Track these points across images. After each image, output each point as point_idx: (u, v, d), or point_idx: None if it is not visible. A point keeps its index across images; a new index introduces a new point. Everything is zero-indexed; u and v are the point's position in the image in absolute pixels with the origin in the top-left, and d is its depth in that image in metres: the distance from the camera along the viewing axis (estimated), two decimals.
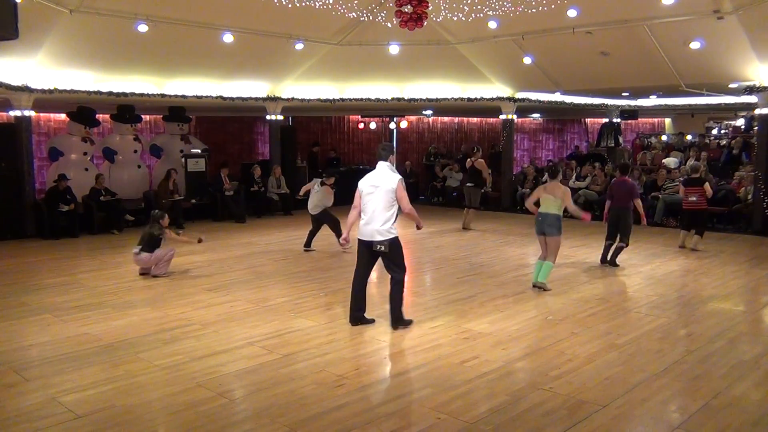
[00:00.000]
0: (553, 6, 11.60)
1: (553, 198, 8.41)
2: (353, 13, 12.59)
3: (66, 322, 7.12)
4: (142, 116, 15.97)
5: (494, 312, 7.43)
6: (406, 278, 9.78)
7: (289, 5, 11.23)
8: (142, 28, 11.51)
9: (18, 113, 12.73)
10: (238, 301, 8.01)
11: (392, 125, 20.80)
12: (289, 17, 12.44)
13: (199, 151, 16.12)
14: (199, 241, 10.56)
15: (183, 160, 15.53)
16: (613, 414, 4.70)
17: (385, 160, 6.85)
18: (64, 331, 6.77)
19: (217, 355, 6.01)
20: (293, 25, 13.15)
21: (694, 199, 11.12)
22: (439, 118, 22.37)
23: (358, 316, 6.93)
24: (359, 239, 6.77)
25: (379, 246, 6.62)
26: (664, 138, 22.01)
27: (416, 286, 9.15)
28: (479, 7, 12.11)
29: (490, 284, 8.83)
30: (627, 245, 10.00)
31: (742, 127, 20.12)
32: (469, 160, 13.94)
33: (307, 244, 11.47)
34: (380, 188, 6.62)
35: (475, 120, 23.30)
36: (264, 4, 11.61)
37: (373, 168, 6.94)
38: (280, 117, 16.75)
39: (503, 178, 17.93)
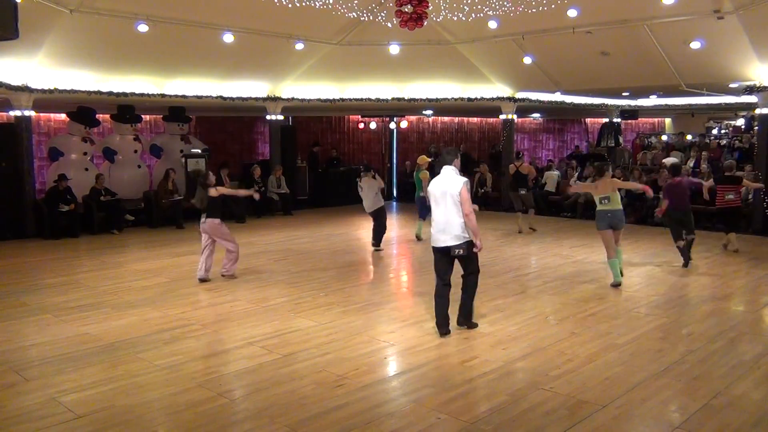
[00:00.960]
0: (553, 6, 11.60)
1: (612, 194, 8.63)
2: (353, 13, 12.59)
3: (66, 322, 7.12)
4: (142, 116, 15.97)
5: (494, 312, 7.43)
6: (408, 278, 9.81)
7: (289, 5, 11.23)
8: (143, 28, 11.51)
9: (18, 113, 12.74)
10: (238, 301, 8.01)
11: (392, 125, 20.81)
12: (289, 17, 12.44)
13: (199, 151, 16.12)
14: (257, 195, 10.50)
15: (183, 160, 15.52)
16: (613, 414, 4.70)
17: (450, 164, 6.59)
18: (64, 331, 6.77)
19: (217, 355, 6.02)
20: (293, 25, 13.16)
21: (732, 196, 10.91)
22: (439, 118, 22.36)
23: (448, 323, 6.64)
24: (434, 247, 6.56)
25: (457, 251, 6.45)
26: (664, 138, 22.01)
27: (416, 286, 9.15)
28: (479, 6, 12.11)
29: (490, 284, 8.82)
30: (695, 236, 10.00)
31: (743, 127, 20.12)
32: (512, 165, 13.70)
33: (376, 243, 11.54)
34: (448, 193, 6.42)
35: (475, 120, 23.29)
36: (264, 4, 11.61)
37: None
38: (281, 117, 16.76)
39: (503, 179, 17.91)
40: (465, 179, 6.48)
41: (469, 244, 6.46)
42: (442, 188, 6.47)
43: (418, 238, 12.47)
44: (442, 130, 22.69)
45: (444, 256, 6.54)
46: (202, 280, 8.98)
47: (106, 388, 5.22)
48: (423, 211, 12.36)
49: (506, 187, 15.24)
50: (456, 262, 6.62)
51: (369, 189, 11.33)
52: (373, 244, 11.58)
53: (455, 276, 6.67)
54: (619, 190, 9.13)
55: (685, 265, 9.80)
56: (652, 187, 14.68)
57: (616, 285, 8.59)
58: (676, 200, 9.83)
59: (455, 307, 6.74)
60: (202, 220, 9.01)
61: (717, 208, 11.35)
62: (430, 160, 12.82)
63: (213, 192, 8.95)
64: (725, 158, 16.84)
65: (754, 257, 10.74)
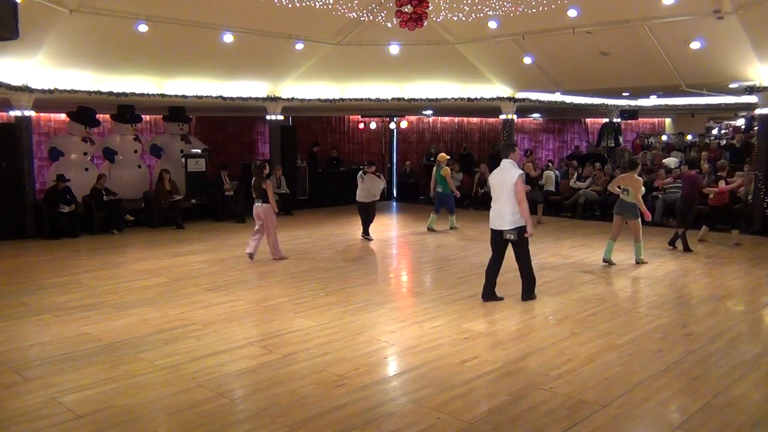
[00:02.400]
0: (553, 6, 11.60)
1: (631, 189, 9.73)
2: (353, 13, 12.59)
3: (66, 322, 7.12)
4: (143, 116, 15.98)
5: (494, 312, 7.43)
6: (408, 278, 9.81)
7: (289, 5, 11.23)
8: (143, 28, 11.51)
9: (18, 113, 12.73)
10: (239, 301, 8.01)
11: (392, 125, 20.81)
12: (289, 17, 12.44)
13: (199, 151, 16.13)
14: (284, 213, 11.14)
15: (183, 160, 15.53)
16: (613, 414, 4.70)
17: (507, 157, 7.55)
18: (64, 331, 6.77)
19: (217, 355, 6.02)
20: (293, 25, 13.15)
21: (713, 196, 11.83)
22: (439, 118, 22.36)
23: (489, 293, 7.79)
24: (491, 229, 7.62)
25: (508, 235, 7.42)
26: (664, 138, 22.01)
27: (416, 286, 9.16)
28: (479, 7, 12.11)
29: None
30: (684, 230, 11.03)
31: (743, 127, 20.12)
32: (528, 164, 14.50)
33: (365, 232, 12.49)
34: (504, 183, 7.37)
35: (475, 120, 23.29)
36: (264, 4, 11.61)
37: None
38: (280, 117, 16.75)
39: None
40: (521, 171, 7.39)
41: (520, 230, 7.40)
42: (500, 179, 7.44)
43: (430, 229, 13.32)
44: (442, 130, 22.69)
45: (497, 236, 7.60)
46: (250, 255, 10.37)
47: (107, 388, 5.22)
48: (438, 205, 13.47)
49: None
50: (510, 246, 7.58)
51: (370, 183, 12.21)
52: (364, 235, 12.45)
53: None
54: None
55: (685, 250, 10.98)
56: (652, 187, 14.72)
57: (605, 261, 9.93)
58: (684, 189, 11.22)
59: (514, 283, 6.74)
60: (258, 204, 10.29)
61: (710, 206, 12.04)
62: (449, 157, 13.96)
63: (266, 184, 10.18)
64: (724, 158, 16.88)
65: (754, 257, 10.75)
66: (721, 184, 11.66)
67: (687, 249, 10.97)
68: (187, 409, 4.82)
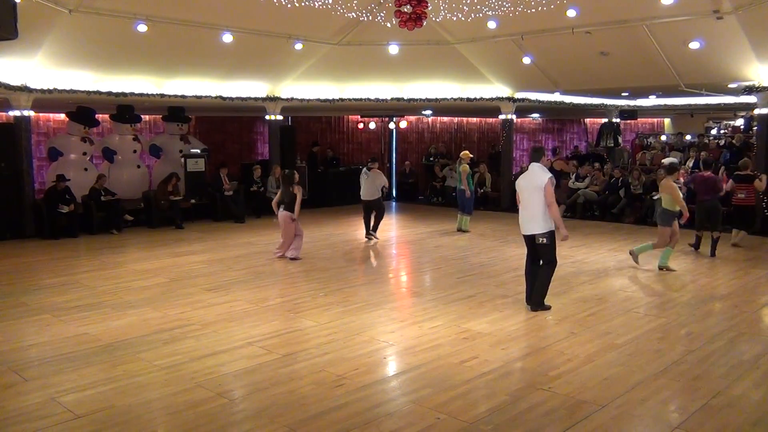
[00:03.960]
0: (552, 6, 11.61)
1: (663, 195, 9.61)
2: (352, 13, 12.60)
3: (65, 322, 7.12)
4: (142, 116, 15.97)
5: (494, 312, 7.43)
6: (407, 278, 9.81)
7: (289, 5, 11.22)
8: (142, 28, 11.51)
9: (17, 113, 12.73)
10: (238, 301, 8.01)
11: (392, 125, 20.80)
12: (288, 17, 12.44)
13: (199, 151, 16.12)
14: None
15: (182, 160, 15.52)
16: (612, 414, 4.70)
17: (538, 161, 7.41)
18: (63, 331, 6.77)
19: (217, 355, 6.01)
20: (292, 25, 13.16)
21: (743, 195, 11.57)
22: (439, 118, 22.36)
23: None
24: (523, 234, 7.50)
25: (541, 239, 7.28)
26: (663, 138, 22.03)
27: (416, 286, 9.16)
28: (478, 7, 12.12)
29: (490, 284, 8.84)
30: (720, 234, 10.77)
31: (742, 127, 20.13)
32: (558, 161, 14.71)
33: (368, 232, 12.52)
34: (533, 186, 7.28)
35: (474, 120, 23.30)
36: (263, 4, 11.61)
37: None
38: (280, 117, 16.75)
39: (502, 179, 17.94)
40: (550, 175, 7.25)
41: (551, 234, 7.27)
42: (529, 182, 7.36)
43: (462, 230, 13.40)
44: (441, 130, 22.70)
45: (530, 241, 7.45)
46: (292, 259, 10.50)
47: (106, 388, 5.22)
48: (463, 203, 13.43)
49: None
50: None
51: (373, 180, 12.31)
52: (370, 233, 12.50)
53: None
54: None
55: (696, 248, 11.02)
56: (652, 188, 14.73)
57: (660, 268, 9.61)
58: (702, 191, 10.79)
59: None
60: (281, 210, 10.44)
61: (732, 206, 11.95)
62: (472, 156, 13.98)
63: (295, 190, 10.37)
64: (723, 158, 16.90)
65: (754, 257, 10.75)
66: (757, 183, 11.42)
67: (713, 253, 10.62)
68: (186, 410, 4.82)
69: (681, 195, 9.61)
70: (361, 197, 12.50)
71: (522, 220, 7.49)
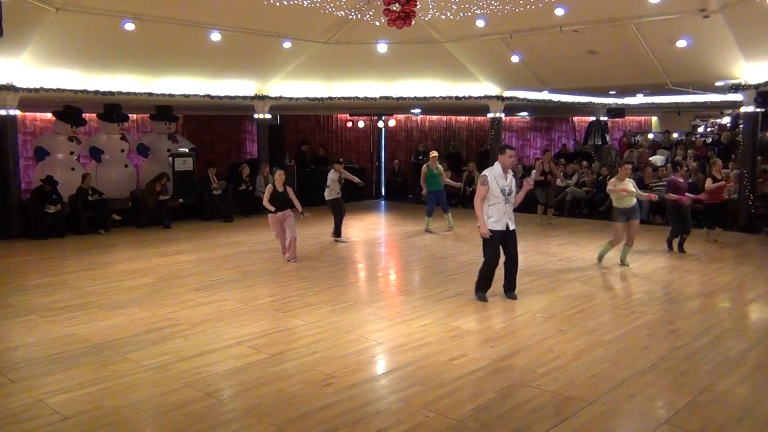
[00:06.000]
0: (540, 4, 11.64)
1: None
2: (341, 12, 12.58)
3: (53, 322, 7.07)
4: (129, 115, 15.87)
5: (482, 310, 7.45)
6: (396, 276, 9.82)
7: (277, 3, 11.21)
8: (129, 26, 11.43)
9: (3, 112, 12.61)
10: (226, 300, 7.99)
11: (380, 124, 20.80)
12: (276, 16, 12.40)
13: (187, 150, 16.05)
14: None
15: (170, 159, 15.45)
16: (600, 410, 4.73)
17: (497, 159, 7.65)
18: (50, 332, 6.72)
19: (205, 355, 6.00)
20: (281, 24, 13.12)
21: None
22: (428, 116, 22.37)
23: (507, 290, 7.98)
24: (507, 230, 7.65)
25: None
26: (650, 136, 22.12)
27: (404, 285, 9.17)
28: (467, 5, 12.13)
29: None
30: (675, 235, 10.89)
31: (728, 124, 20.27)
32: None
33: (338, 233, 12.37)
34: (513, 184, 7.66)
35: (463, 118, 23.32)
36: (252, 2, 11.58)
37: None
38: (268, 116, 16.69)
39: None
40: (483, 173, 7.57)
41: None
42: (510, 180, 7.62)
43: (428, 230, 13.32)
44: (430, 129, 22.71)
45: (509, 236, 7.69)
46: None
47: (94, 389, 5.20)
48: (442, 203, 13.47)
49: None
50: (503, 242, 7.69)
51: (342, 179, 12.26)
52: (337, 236, 12.35)
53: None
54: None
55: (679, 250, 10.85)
56: (639, 186, 14.76)
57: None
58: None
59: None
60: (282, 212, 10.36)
61: (705, 205, 11.96)
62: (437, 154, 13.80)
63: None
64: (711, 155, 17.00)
65: (739, 254, 10.85)
66: (708, 183, 11.61)
67: (680, 250, 10.79)
68: (175, 410, 4.81)
69: (621, 189, 9.48)
70: (338, 197, 12.31)
71: (506, 217, 7.67)
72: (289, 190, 10.50)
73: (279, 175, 10.47)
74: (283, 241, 10.49)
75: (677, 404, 4.84)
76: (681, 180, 10.90)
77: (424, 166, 13.47)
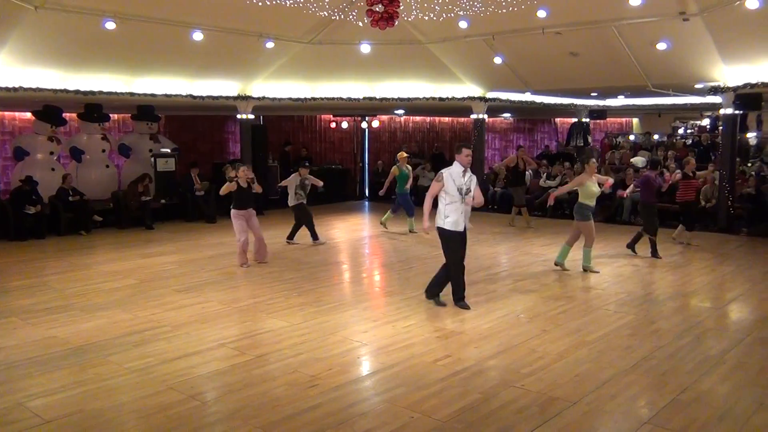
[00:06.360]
0: (523, 6, 11.69)
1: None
2: (324, 12, 12.55)
3: (33, 325, 6.98)
4: (110, 115, 15.72)
5: (466, 311, 7.47)
6: (380, 278, 9.81)
7: (260, 3, 11.15)
8: (110, 25, 11.32)
9: None
10: (210, 302, 7.94)
11: (364, 124, 20.79)
12: (259, 15, 12.35)
13: (169, 150, 15.93)
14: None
15: (152, 159, 15.33)
16: (583, 410, 4.77)
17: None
18: (30, 335, 6.64)
19: (189, 357, 5.95)
20: (264, 24, 13.06)
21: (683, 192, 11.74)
22: (411, 117, 22.40)
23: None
24: (465, 231, 7.55)
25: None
26: (631, 137, 22.33)
27: (389, 286, 9.17)
28: (450, 6, 12.16)
29: None
30: (651, 237, 10.50)
31: (708, 126, 20.52)
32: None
33: (315, 236, 12.16)
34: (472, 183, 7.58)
35: (446, 119, 23.38)
36: (234, 2, 11.52)
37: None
38: (251, 116, 16.61)
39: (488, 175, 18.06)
40: (441, 171, 7.48)
41: (440, 231, 7.51)
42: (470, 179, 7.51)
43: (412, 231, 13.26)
44: (413, 130, 22.74)
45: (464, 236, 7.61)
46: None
47: (75, 392, 5.14)
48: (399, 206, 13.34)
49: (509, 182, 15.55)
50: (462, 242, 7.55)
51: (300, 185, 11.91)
52: (315, 239, 12.14)
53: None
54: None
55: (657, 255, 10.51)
56: (620, 186, 14.90)
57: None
58: (641, 192, 10.71)
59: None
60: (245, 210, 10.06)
61: (678, 204, 11.98)
62: (408, 155, 13.87)
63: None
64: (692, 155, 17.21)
65: (719, 254, 10.98)
66: (675, 175, 11.57)
67: (654, 254, 10.42)
68: (157, 413, 4.77)
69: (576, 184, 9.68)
70: (302, 202, 11.98)
71: (464, 217, 7.53)
72: (256, 186, 10.14)
73: (242, 172, 9.97)
74: (243, 244, 9.89)
75: (659, 403, 4.88)
76: (654, 177, 10.69)
77: (394, 167, 13.42)
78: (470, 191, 7.40)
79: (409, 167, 13.53)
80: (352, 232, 13.54)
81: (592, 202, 9.51)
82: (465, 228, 7.46)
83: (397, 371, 5.58)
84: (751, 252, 11.27)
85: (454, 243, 7.41)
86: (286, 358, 5.92)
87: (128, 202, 14.15)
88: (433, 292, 7.75)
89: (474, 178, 7.53)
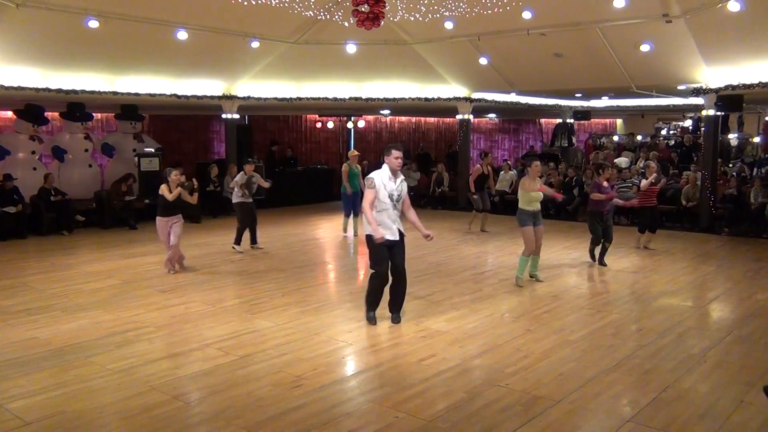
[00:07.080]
0: (508, 8, 11.75)
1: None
2: (310, 12, 12.53)
3: (13, 326, 6.90)
4: (93, 114, 15.59)
5: (451, 310, 7.49)
6: (365, 278, 9.80)
7: (245, 3, 11.11)
8: (93, 23, 11.23)
9: None
10: (193, 302, 7.89)
11: (350, 124, 20.78)
12: (244, 15, 12.31)
13: (153, 150, 15.82)
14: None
15: (136, 159, 15.21)
16: (567, 409, 4.79)
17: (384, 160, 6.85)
18: (11, 336, 6.56)
19: (172, 358, 5.92)
20: (249, 23, 13.02)
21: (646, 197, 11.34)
22: (397, 117, 22.44)
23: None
24: (397, 240, 6.83)
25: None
26: (615, 138, 22.51)
27: None
28: (436, 7, 12.19)
29: (447, 283, 8.90)
30: (596, 244, 9.99)
31: (690, 127, 20.74)
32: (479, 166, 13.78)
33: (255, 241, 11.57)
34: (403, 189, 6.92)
35: (432, 120, 23.45)
36: (219, 1, 11.46)
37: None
38: (236, 116, 16.55)
39: (459, 178, 18.07)
40: (369, 176, 6.70)
41: (368, 237, 6.75)
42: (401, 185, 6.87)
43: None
44: (399, 130, 22.77)
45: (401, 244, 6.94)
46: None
47: (56, 394, 5.08)
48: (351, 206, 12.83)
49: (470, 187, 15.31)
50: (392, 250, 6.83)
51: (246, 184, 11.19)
52: (253, 244, 11.47)
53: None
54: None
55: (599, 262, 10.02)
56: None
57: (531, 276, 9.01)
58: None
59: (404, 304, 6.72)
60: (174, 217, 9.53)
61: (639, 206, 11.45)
62: (358, 153, 13.46)
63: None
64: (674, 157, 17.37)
65: (701, 254, 11.09)
66: (643, 183, 11.13)
67: (600, 262, 9.96)
68: (140, 414, 4.73)
69: (531, 187, 8.71)
70: (247, 201, 11.24)
71: (394, 225, 6.79)
72: (184, 193, 9.53)
73: (174, 176, 9.43)
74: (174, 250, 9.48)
75: (641, 402, 4.92)
76: (600, 183, 9.91)
77: (345, 164, 13.01)
78: (401, 197, 6.76)
79: (359, 166, 13.01)
80: (336, 231, 13.51)
81: (532, 207, 8.73)
82: (401, 236, 6.76)
83: (382, 371, 5.58)
84: (732, 252, 11.40)
85: (384, 252, 6.68)
86: (271, 358, 5.89)
87: (111, 202, 14.04)
88: (369, 306, 7.00)
89: (405, 184, 6.89)
